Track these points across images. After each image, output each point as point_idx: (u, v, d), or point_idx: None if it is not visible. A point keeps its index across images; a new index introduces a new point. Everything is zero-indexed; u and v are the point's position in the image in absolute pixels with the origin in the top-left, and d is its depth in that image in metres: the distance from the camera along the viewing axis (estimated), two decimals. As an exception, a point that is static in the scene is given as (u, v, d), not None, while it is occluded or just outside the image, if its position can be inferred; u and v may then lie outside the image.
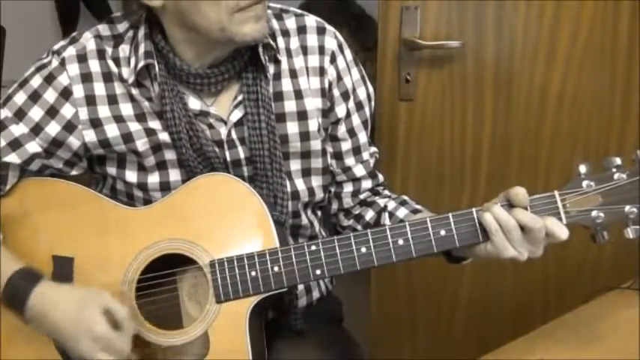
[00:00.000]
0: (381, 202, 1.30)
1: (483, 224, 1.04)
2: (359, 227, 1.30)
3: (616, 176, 1.03)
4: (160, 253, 1.13)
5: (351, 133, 1.27)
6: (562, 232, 1.03)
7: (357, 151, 1.28)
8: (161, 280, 1.15)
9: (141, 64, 1.15)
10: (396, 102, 1.77)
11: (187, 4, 1.09)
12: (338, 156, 1.28)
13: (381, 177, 1.33)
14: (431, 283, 1.91)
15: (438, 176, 1.83)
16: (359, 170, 1.29)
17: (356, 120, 1.27)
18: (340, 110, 1.25)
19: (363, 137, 1.28)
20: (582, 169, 1.05)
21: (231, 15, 1.08)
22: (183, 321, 1.17)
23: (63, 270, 1.14)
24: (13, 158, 1.17)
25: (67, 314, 1.07)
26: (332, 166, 1.28)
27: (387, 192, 1.33)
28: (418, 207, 1.27)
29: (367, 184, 1.31)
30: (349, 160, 1.29)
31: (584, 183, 1.04)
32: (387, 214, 1.27)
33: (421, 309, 1.96)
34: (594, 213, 1.04)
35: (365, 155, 1.30)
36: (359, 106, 1.27)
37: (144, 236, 1.14)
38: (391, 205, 1.28)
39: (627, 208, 1.03)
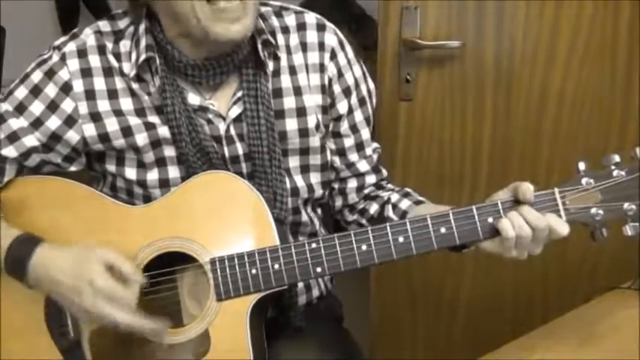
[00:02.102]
0: (385, 194, 1.30)
1: (499, 229, 1.04)
2: (364, 221, 1.31)
3: (615, 173, 1.04)
4: (161, 251, 1.13)
5: (354, 129, 1.27)
6: (562, 228, 1.03)
7: (360, 146, 1.29)
8: (161, 278, 1.15)
9: (142, 57, 1.15)
10: (396, 102, 1.78)
11: None
12: (341, 152, 1.28)
13: (384, 172, 1.34)
14: (431, 283, 1.91)
15: (438, 176, 1.83)
16: (363, 166, 1.30)
17: (359, 116, 1.27)
18: (342, 107, 1.25)
19: (365, 133, 1.29)
20: (581, 166, 1.05)
21: (204, 2, 1.05)
22: (183, 319, 1.17)
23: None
24: (10, 151, 1.18)
25: (67, 270, 1.07)
26: (335, 162, 1.29)
27: (390, 185, 1.34)
28: (421, 199, 1.28)
29: (371, 179, 1.31)
30: (353, 156, 1.29)
31: (584, 180, 1.04)
32: (390, 206, 1.27)
33: (421, 309, 1.97)
34: (593, 210, 1.04)
35: (368, 151, 1.30)
36: (362, 102, 1.27)
37: (144, 234, 1.14)
38: (394, 197, 1.29)
39: (626, 205, 1.03)
